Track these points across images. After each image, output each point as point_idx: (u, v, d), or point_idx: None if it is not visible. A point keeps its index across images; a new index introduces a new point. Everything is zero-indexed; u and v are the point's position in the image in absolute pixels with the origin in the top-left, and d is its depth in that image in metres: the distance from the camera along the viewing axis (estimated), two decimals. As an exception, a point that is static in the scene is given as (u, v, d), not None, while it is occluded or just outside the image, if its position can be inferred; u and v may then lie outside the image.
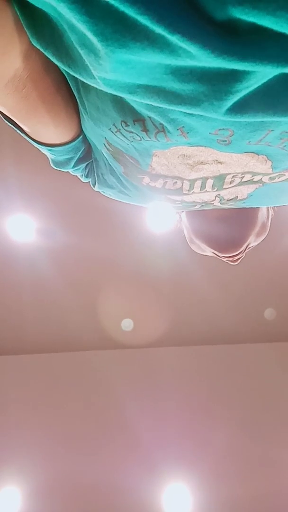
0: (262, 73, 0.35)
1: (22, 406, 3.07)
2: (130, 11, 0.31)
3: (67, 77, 0.45)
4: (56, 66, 0.43)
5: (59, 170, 0.60)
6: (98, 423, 2.97)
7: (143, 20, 0.31)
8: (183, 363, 3.25)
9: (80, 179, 0.65)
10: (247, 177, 0.53)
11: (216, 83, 0.36)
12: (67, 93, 0.48)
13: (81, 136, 0.54)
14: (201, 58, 0.32)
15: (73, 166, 0.59)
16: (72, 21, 0.33)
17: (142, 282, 2.94)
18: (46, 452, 2.84)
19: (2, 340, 3.30)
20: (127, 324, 3.20)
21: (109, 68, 0.35)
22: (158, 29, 0.31)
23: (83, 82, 0.44)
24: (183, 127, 0.43)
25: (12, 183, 2.34)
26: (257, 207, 0.71)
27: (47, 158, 0.58)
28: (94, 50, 0.34)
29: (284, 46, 0.32)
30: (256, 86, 0.36)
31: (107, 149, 0.53)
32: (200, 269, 2.68)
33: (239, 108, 0.38)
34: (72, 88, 0.47)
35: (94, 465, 2.76)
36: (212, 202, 0.62)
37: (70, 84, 0.46)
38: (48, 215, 2.59)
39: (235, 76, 0.35)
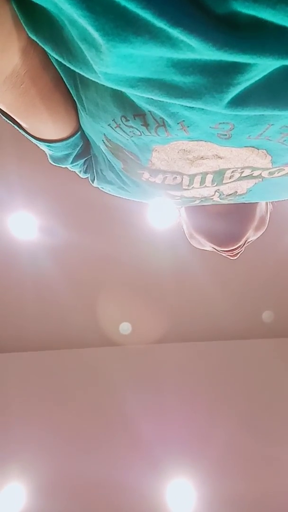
0: (263, 66, 0.35)
1: (25, 404, 3.08)
2: (131, 6, 0.31)
3: (62, 75, 0.45)
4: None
5: (57, 166, 0.61)
6: (101, 419, 2.98)
7: (144, 14, 0.31)
8: (184, 359, 3.25)
9: (78, 175, 0.65)
10: (247, 172, 0.53)
11: (217, 76, 0.36)
12: (65, 90, 0.48)
13: (79, 132, 0.54)
14: (202, 51, 0.33)
15: (72, 162, 0.59)
16: (73, 16, 0.33)
17: (143, 279, 2.94)
18: (49, 449, 2.85)
19: (4, 338, 3.32)
20: (126, 327, 3.22)
21: (110, 62, 0.35)
22: (160, 23, 0.31)
23: (81, 79, 0.44)
24: (184, 121, 0.43)
25: (14, 180, 2.35)
26: (256, 202, 0.71)
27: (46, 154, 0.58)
28: (95, 45, 0.34)
29: (284, 39, 0.32)
30: (257, 78, 0.36)
31: (106, 145, 0.53)
32: (201, 265, 2.69)
33: (239, 101, 0.38)
34: (69, 86, 0.47)
35: (97, 462, 2.77)
36: (212, 197, 0.62)
37: (66, 82, 0.46)
38: (50, 213, 2.59)
39: (236, 69, 0.35)
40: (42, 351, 3.36)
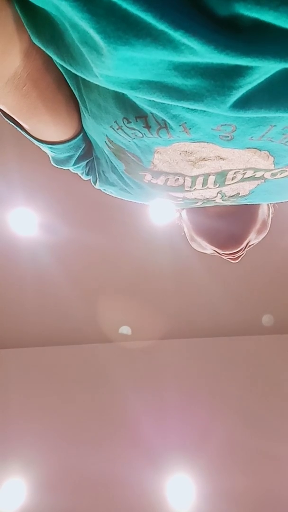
0: (265, 69, 0.34)
1: (25, 400, 3.09)
2: (132, 8, 0.30)
3: (66, 76, 0.45)
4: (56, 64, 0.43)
5: (60, 168, 0.60)
6: (101, 415, 2.99)
7: (146, 17, 0.31)
8: (185, 356, 3.26)
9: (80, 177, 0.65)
10: (249, 173, 0.53)
11: (219, 79, 0.35)
12: (68, 92, 0.48)
13: (81, 134, 0.54)
14: (204, 54, 0.32)
15: (74, 164, 0.59)
16: (74, 19, 0.33)
17: (143, 275, 2.94)
18: (49, 445, 2.86)
19: (4, 334, 3.32)
20: (125, 330, 3.23)
21: (111, 65, 0.35)
22: (161, 26, 0.31)
23: (84, 81, 0.44)
24: (186, 123, 0.43)
25: (15, 176, 2.34)
26: (257, 204, 0.71)
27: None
28: (96, 48, 0.34)
29: (286, 42, 0.32)
30: (259, 81, 0.36)
31: (109, 146, 0.53)
32: (201, 261, 2.68)
33: (242, 103, 0.38)
34: (72, 87, 0.47)
35: (97, 457, 2.79)
36: (214, 199, 0.61)
37: (69, 83, 0.46)
38: (50, 209, 2.58)
39: (238, 72, 0.35)
40: (42, 347, 3.37)
